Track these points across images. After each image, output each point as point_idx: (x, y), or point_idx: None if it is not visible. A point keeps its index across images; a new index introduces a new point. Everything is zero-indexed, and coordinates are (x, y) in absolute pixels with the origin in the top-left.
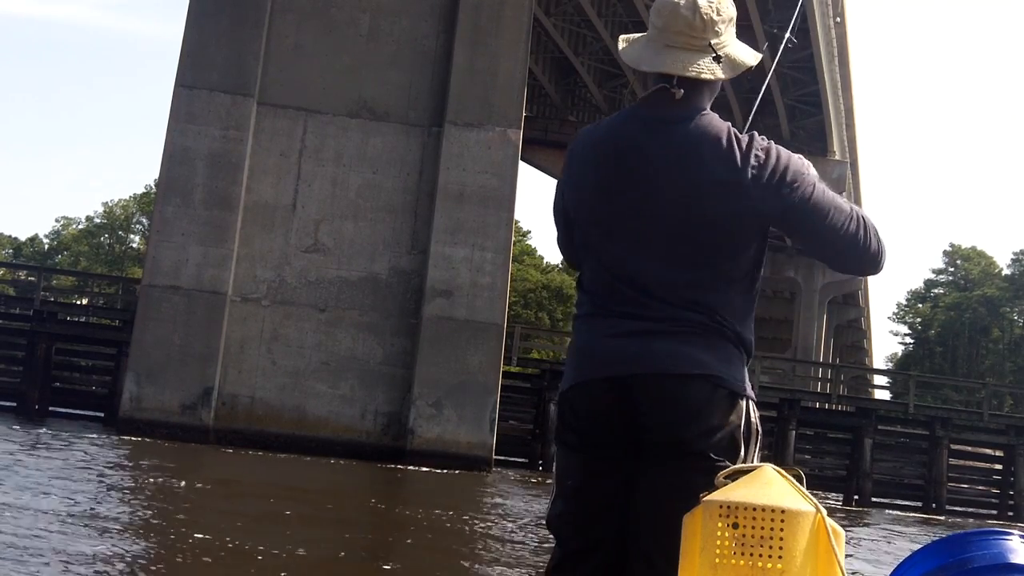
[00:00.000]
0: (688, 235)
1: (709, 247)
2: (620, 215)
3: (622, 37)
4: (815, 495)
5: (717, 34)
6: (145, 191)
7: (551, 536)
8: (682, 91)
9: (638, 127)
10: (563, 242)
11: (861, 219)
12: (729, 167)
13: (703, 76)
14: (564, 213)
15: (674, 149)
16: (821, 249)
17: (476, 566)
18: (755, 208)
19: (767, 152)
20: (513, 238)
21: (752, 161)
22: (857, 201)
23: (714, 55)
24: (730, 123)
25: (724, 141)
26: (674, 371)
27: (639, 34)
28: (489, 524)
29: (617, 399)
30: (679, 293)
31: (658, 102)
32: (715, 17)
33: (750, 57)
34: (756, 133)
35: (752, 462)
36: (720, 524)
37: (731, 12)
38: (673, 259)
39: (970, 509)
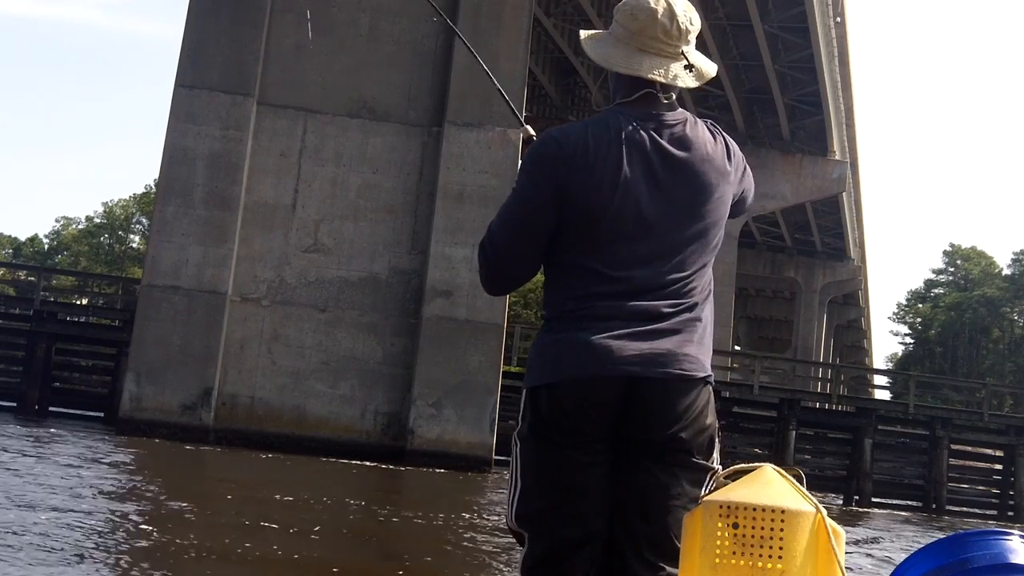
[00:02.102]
0: (695, 228)
1: (707, 238)
2: (636, 211)
3: (583, 32)
4: (815, 495)
5: (688, 43)
6: (145, 191)
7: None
8: (673, 96)
9: (641, 127)
10: (529, 244)
11: None
12: (723, 159)
13: (679, 84)
14: (543, 213)
15: (684, 146)
16: (735, 211)
17: (476, 566)
18: (734, 193)
19: (728, 140)
20: None
21: (729, 150)
22: (857, 201)
23: (686, 63)
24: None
25: (712, 135)
26: (681, 374)
27: (598, 31)
28: (489, 524)
29: (619, 397)
30: (680, 289)
31: (646, 104)
32: (689, 27)
33: (711, 69)
34: (711, 122)
35: (718, 456)
36: (720, 524)
37: (699, 24)
38: (678, 254)
39: (970, 509)
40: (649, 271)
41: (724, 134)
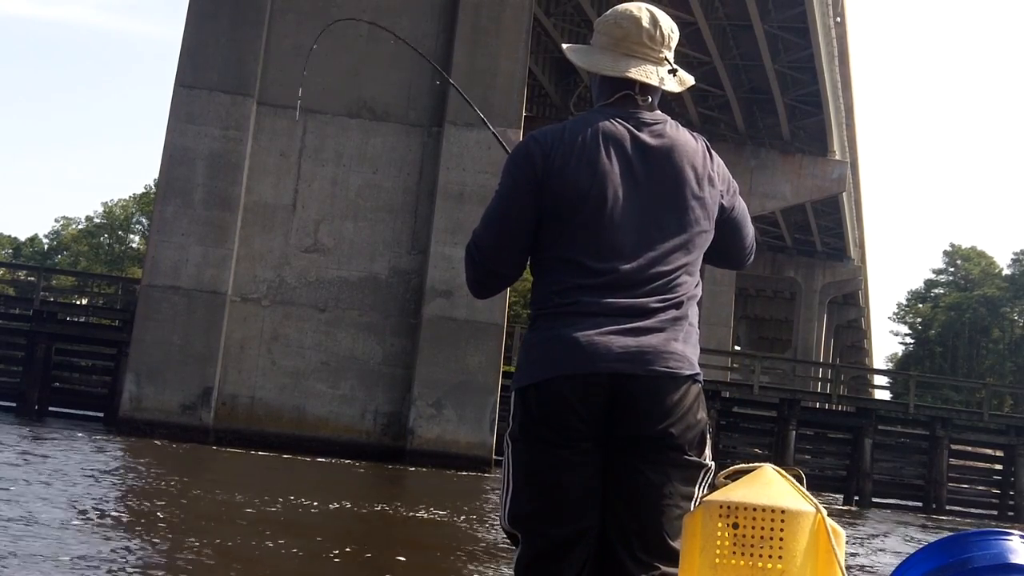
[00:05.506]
0: (677, 222)
1: (690, 235)
2: (620, 207)
3: (565, 45)
4: (815, 495)
5: (669, 50)
6: (145, 191)
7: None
8: (649, 98)
9: (620, 123)
10: (513, 241)
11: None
12: (704, 160)
13: (665, 87)
14: (524, 208)
15: (663, 142)
16: (734, 248)
17: (476, 567)
18: (718, 202)
19: (710, 148)
20: None
21: (712, 158)
22: (857, 201)
23: (670, 68)
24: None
25: (693, 139)
26: (668, 371)
27: (581, 44)
28: (488, 525)
29: (607, 394)
30: (665, 284)
31: (626, 105)
32: (670, 34)
33: (690, 78)
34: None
35: (710, 452)
36: (720, 524)
37: (678, 35)
38: (660, 248)
39: (970, 509)
40: (633, 265)
41: (707, 142)
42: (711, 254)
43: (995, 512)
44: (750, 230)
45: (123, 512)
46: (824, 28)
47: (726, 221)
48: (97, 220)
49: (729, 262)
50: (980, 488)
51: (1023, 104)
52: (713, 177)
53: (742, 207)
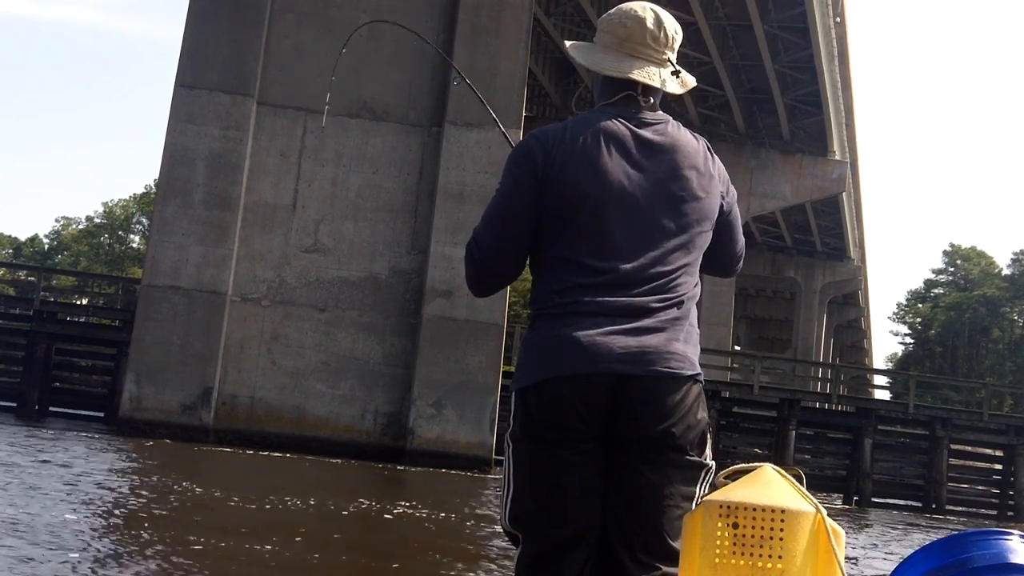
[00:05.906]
0: (678, 221)
1: (691, 234)
2: (621, 206)
3: (567, 42)
4: (815, 495)
5: (673, 51)
6: (145, 191)
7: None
8: (651, 98)
9: (621, 122)
10: (513, 240)
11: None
12: (705, 160)
13: (667, 89)
14: (524, 207)
15: (664, 140)
16: (726, 255)
17: (476, 567)
18: (719, 202)
19: (711, 149)
20: None
21: (714, 159)
22: (857, 201)
23: (673, 70)
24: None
25: (695, 140)
26: (670, 372)
27: (584, 42)
28: (487, 525)
29: (607, 395)
30: (666, 284)
31: (627, 105)
32: (674, 36)
33: (692, 80)
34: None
35: (711, 452)
36: (720, 524)
37: (681, 36)
38: (661, 247)
39: (970, 509)
40: (633, 264)
41: (708, 143)
42: (702, 260)
43: (995, 512)
44: (742, 238)
45: (122, 512)
46: (824, 28)
47: (723, 223)
48: (97, 220)
49: (719, 268)
50: (980, 488)
51: (1023, 104)
52: (713, 175)
53: (737, 213)
